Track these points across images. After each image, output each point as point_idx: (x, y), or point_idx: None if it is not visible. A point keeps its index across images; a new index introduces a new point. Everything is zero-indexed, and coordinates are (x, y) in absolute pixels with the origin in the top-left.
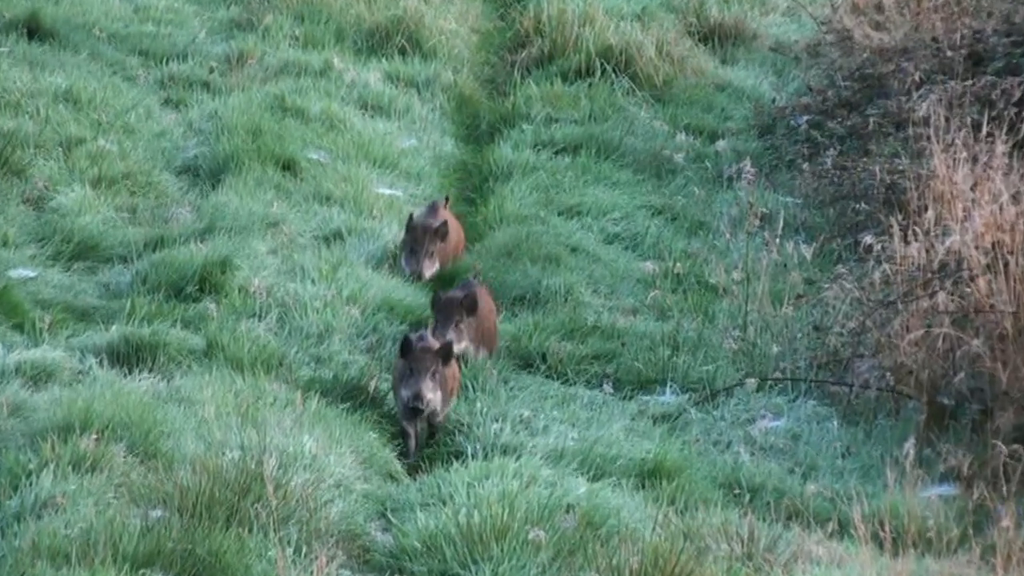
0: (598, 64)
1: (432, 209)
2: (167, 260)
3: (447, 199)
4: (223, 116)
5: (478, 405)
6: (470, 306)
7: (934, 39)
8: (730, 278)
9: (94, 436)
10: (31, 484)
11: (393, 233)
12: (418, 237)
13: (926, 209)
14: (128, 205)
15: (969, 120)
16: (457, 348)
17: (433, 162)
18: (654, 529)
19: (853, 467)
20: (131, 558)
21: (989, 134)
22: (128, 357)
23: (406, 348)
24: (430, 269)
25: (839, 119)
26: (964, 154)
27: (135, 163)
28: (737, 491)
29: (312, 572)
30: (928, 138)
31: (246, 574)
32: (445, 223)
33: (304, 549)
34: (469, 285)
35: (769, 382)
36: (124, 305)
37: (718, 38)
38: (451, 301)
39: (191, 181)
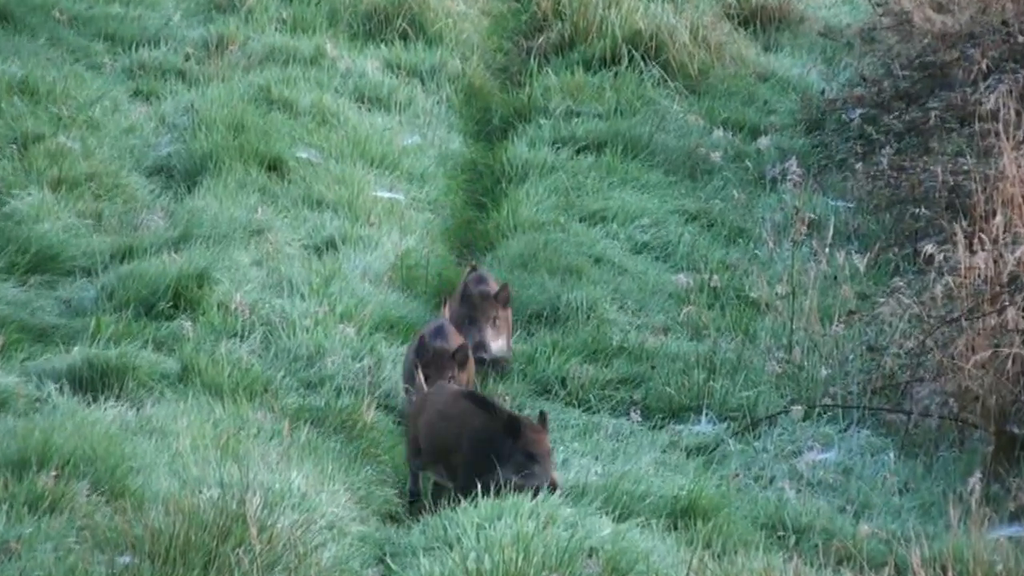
0: (625, 51)
1: (478, 279)
2: (136, 273)
3: (444, 302)
4: (200, 109)
5: None
6: (462, 361)
7: (1004, 23)
8: (773, 292)
9: (53, 472)
10: None
11: (393, 242)
12: (476, 305)
13: (994, 214)
14: (92, 210)
15: None
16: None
17: (439, 161)
18: (688, 575)
19: (911, 505)
20: None
21: None
22: (92, 382)
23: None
24: (495, 341)
25: (896, 113)
26: None
27: (100, 163)
28: (781, 533)
29: None
30: (996, 134)
31: None
32: (505, 289)
33: None
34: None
35: (817, 410)
36: (88, 324)
37: (760, 22)
38: (441, 355)
39: (164, 183)
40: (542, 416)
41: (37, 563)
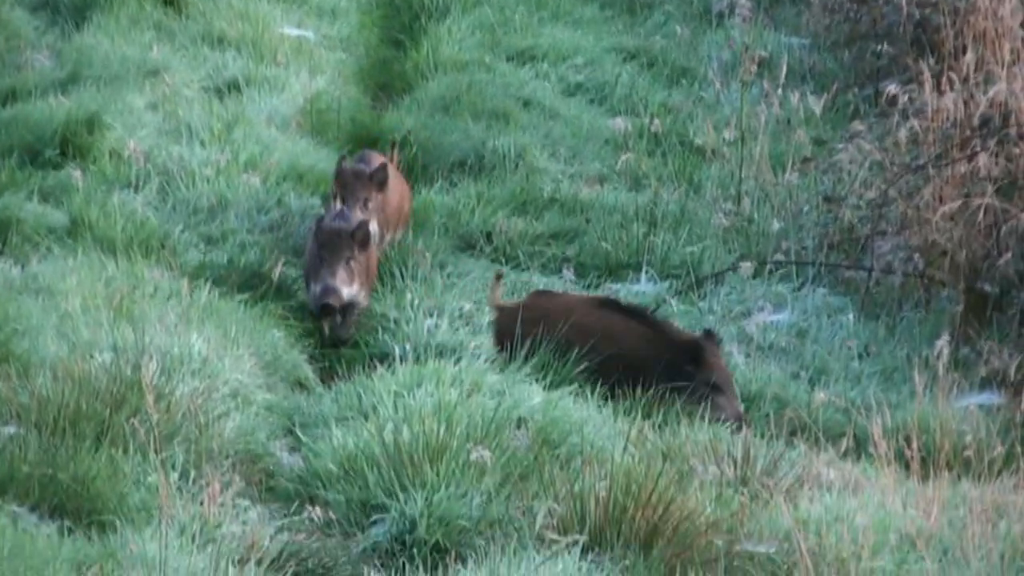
0: None
1: (360, 157)
2: (20, 117)
3: (393, 145)
4: None
5: (408, 296)
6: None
7: None
8: (720, 138)
9: None
10: None
11: (302, 83)
12: (348, 184)
13: (964, 51)
14: None
15: None
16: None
17: None
18: (625, 448)
19: (872, 371)
20: None
21: None
22: None
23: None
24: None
25: None
26: None
27: None
28: None
29: (202, 502)
30: None
31: (120, 504)
32: (384, 168)
33: (192, 474)
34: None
35: (769, 266)
36: None
37: None
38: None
39: (49, 19)
40: (708, 334)
41: None
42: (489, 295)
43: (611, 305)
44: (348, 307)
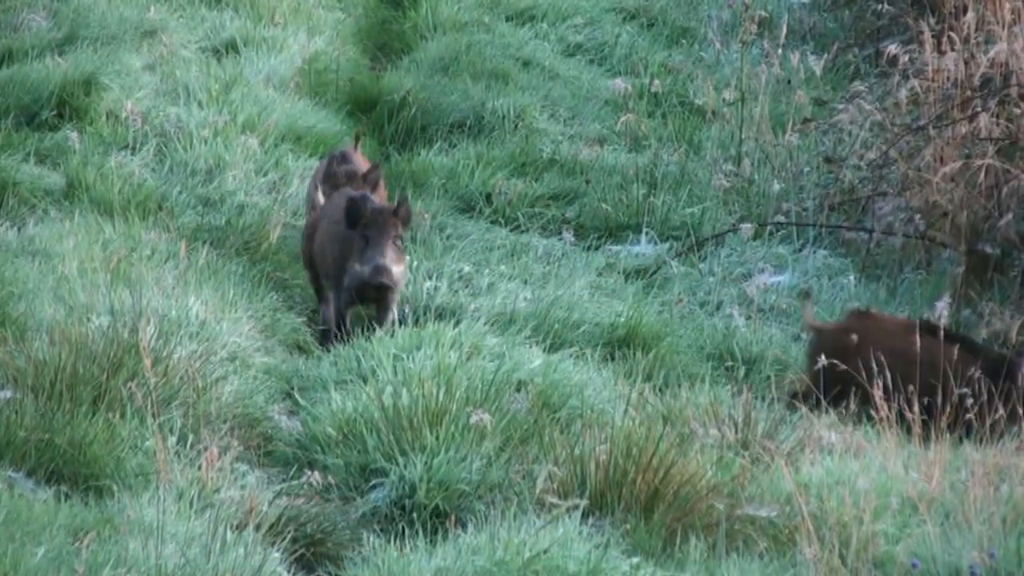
0: None
1: (342, 157)
2: (17, 78)
3: (358, 138)
4: None
5: (407, 258)
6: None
7: None
8: (720, 98)
9: None
10: None
11: (300, 44)
12: (341, 185)
13: (965, 10)
14: None
15: None
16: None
17: None
18: (626, 411)
19: None
20: None
21: None
22: None
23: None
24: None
25: None
26: None
27: None
28: (729, 364)
29: (200, 466)
30: None
31: (118, 468)
32: (377, 168)
33: (190, 438)
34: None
35: (769, 228)
36: None
37: None
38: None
39: None
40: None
41: None
42: (803, 314)
43: (931, 330)
44: (388, 291)
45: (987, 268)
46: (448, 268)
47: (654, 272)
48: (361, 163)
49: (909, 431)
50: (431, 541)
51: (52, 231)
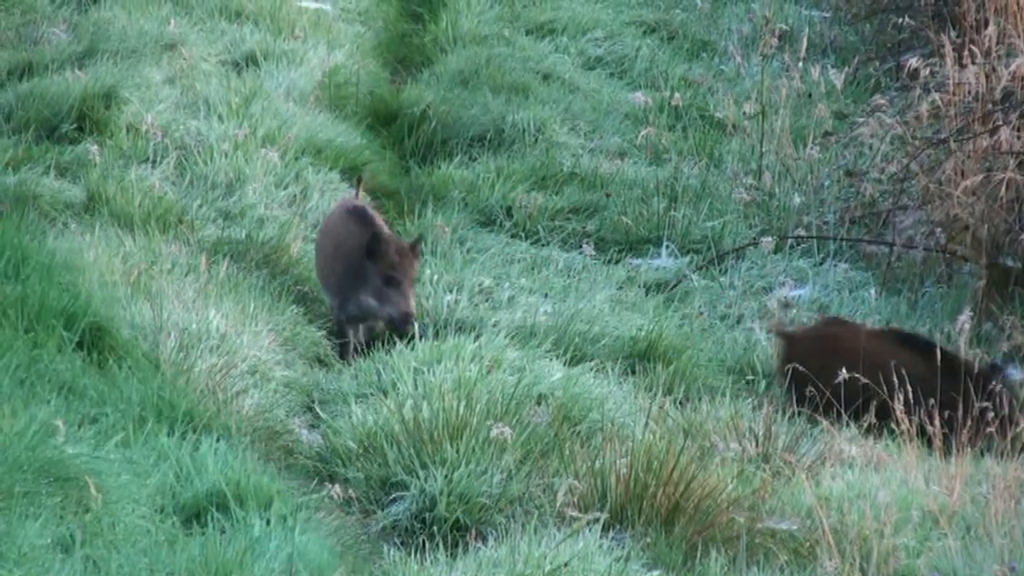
0: None
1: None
2: (37, 91)
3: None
4: None
5: (427, 272)
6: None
7: None
8: (741, 112)
9: None
10: None
11: (320, 57)
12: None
13: (986, 24)
14: None
15: None
16: None
17: None
18: (647, 425)
19: None
20: None
21: None
22: None
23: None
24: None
25: None
26: None
27: None
28: (750, 377)
29: None
30: None
31: None
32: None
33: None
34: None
35: (790, 241)
36: None
37: None
38: (402, 251)
39: None
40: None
41: None
42: (773, 321)
43: (906, 340)
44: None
45: (1008, 282)
46: (468, 281)
47: (674, 285)
48: (378, 218)
49: (930, 445)
50: (451, 555)
51: (72, 244)
